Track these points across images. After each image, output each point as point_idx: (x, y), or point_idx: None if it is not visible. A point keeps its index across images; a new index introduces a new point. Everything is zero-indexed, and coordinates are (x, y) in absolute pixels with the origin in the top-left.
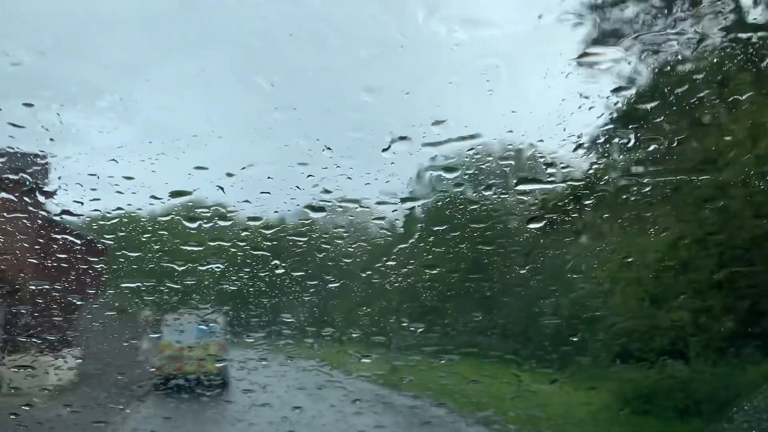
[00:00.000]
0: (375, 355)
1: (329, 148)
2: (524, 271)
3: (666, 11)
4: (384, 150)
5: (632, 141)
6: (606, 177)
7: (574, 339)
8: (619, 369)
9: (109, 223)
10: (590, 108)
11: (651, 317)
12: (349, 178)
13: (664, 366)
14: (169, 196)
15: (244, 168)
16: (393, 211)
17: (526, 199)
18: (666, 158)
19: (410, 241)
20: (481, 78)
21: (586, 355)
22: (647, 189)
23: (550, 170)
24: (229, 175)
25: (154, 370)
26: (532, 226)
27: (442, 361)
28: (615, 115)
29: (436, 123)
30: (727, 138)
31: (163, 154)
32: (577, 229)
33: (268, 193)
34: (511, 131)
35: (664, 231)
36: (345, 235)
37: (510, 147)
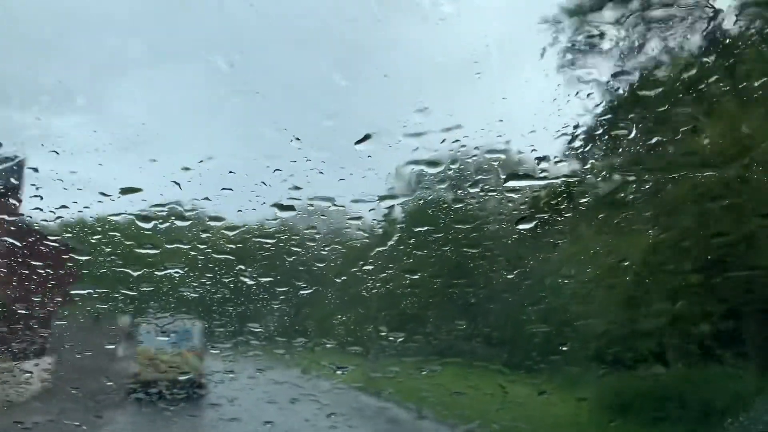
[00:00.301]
0: (351, 367)
1: (298, 139)
2: (512, 276)
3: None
4: (359, 141)
5: (614, 142)
6: (602, 173)
7: (564, 348)
8: (611, 379)
9: (51, 223)
10: (588, 95)
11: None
12: (321, 172)
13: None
14: (120, 193)
15: (201, 161)
16: (370, 210)
17: (515, 197)
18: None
19: (389, 244)
20: (468, 58)
21: (577, 365)
22: (628, 191)
23: (542, 165)
24: (186, 169)
25: (113, 384)
26: (521, 227)
27: (424, 372)
28: (612, 104)
29: (419, 111)
30: (705, 142)
31: (110, 144)
32: (571, 231)
33: (230, 189)
34: (501, 120)
35: (644, 233)
36: (317, 236)
37: (500, 138)
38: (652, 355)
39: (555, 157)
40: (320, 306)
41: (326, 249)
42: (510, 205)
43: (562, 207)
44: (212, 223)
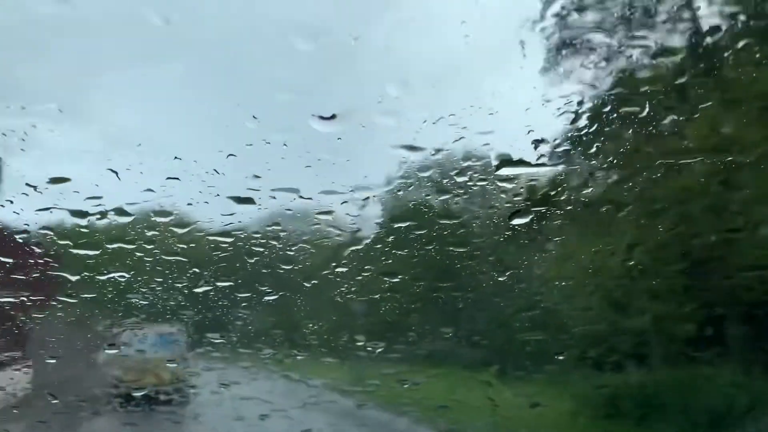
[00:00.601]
0: (326, 380)
1: (255, 117)
2: (504, 279)
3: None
4: (326, 118)
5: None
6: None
7: (560, 357)
8: (608, 390)
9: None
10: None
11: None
12: (283, 158)
13: None
14: (48, 182)
15: (140, 144)
16: (342, 203)
17: (509, 186)
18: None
19: (365, 242)
20: (454, 17)
21: (574, 374)
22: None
23: (541, 149)
24: (122, 154)
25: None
26: (515, 222)
27: (406, 385)
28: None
29: (396, 82)
30: (686, 144)
31: (34, 127)
32: (572, 226)
33: (177, 179)
34: (493, 94)
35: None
36: (282, 234)
37: (491, 115)
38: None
39: (555, 139)
40: (288, 313)
41: (293, 249)
42: (503, 196)
43: (562, 198)
44: (158, 219)
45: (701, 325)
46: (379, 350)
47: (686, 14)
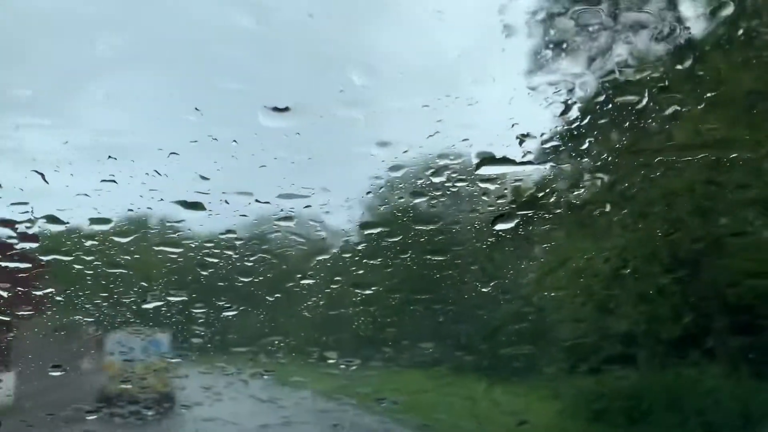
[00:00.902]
0: (296, 400)
1: (197, 110)
2: (488, 289)
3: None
4: (279, 110)
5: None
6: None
7: (549, 371)
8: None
9: None
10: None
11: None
12: (234, 157)
13: None
14: None
15: (66, 142)
16: (305, 207)
17: (491, 187)
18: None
19: (333, 251)
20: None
21: (562, 388)
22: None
23: (527, 145)
24: (46, 152)
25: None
26: (499, 227)
27: (384, 404)
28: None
29: (361, 68)
30: (672, 145)
31: None
32: (562, 230)
33: (113, 181)
34: (475, 81)
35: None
36: (238, 243)
37: (471, 106)
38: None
39: (542, 134)
40: (250, 330)
41: (251, 259)
42: (485, 198)
43: (551, 201)
44: (96, 227)
45: (690, 328)
46: (354, 368)
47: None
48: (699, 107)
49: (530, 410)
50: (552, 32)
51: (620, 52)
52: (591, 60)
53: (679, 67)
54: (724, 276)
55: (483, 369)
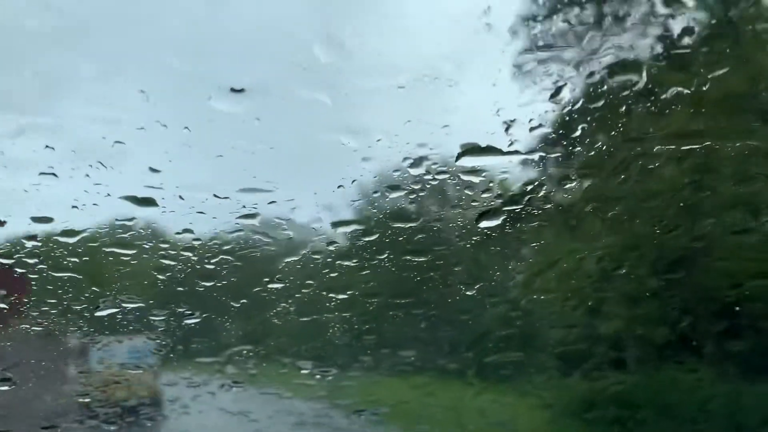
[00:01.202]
0: (269, 413)
1: (143, 92)
2: (473, 292)
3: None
4: (235, 91)
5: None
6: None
7: (540, 377)
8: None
9: None
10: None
11: None
12: (187, 145)
13: None
14: None
15: None
16: (269, 203)
17: (475, 180)
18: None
19: (302, 252)
20: None
21: (558, 407)
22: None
23: (514, 132)
24: None
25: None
26: (484, 224)
27: (362, 416)
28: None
29: (327, 43)
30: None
31: None
32: (553, 227)
33: (53, 174)
34: (457, 59)
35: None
36: (197, 243)
37: (451, 87)
38: None
39: (531, 119)
40: (216, 339)
41: (212, 261)
42: (468, 193)
43: (540, 195)
44: (37, 226)
45: (691, 332)
46: (330, 378)
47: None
48: (704, 88)
49: (519, 420)
50: (541, 1)
51: (618, 26)
52: (586, 34)
53: (684, 41)
54: (723, 276)
55: (468, 377)
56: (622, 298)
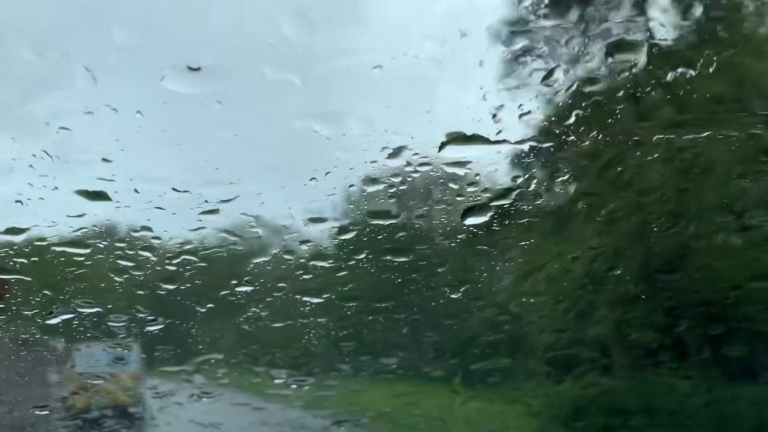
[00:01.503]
0: (242, 424)
1: (88, 70)
2: (458, 295)
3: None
4: (192, 70)
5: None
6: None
7: (529, 384)
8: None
9: None
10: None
11: None
12: (140, 132)
13: None
14: None
15: None
16: (234, 197)
17: (460, 173)
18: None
19: (272, 252)
20: None
21: (547, 415)
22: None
23: (502, 120)
24: None
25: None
26: (470, 221)
27: (343, 428)
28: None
29: (294, 17)
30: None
31: None
32: (543, 225)
33: None
34: (439, 37)
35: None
36: (155, 242)
37: (434, 67)
38: None
39: (521, 105)
40: (182, 346)
41: (174, 262)
42: (452, 186)
43: (530, 189)
44: None
45: (685, 337)
46: (307, 387)
47: None
48: (709, 70)
49: (507, 428)
50: None
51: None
52: (581, 13)
53: (686, 20)
54: (723, 277)
55: (454, 385)
56: (616, 301)
